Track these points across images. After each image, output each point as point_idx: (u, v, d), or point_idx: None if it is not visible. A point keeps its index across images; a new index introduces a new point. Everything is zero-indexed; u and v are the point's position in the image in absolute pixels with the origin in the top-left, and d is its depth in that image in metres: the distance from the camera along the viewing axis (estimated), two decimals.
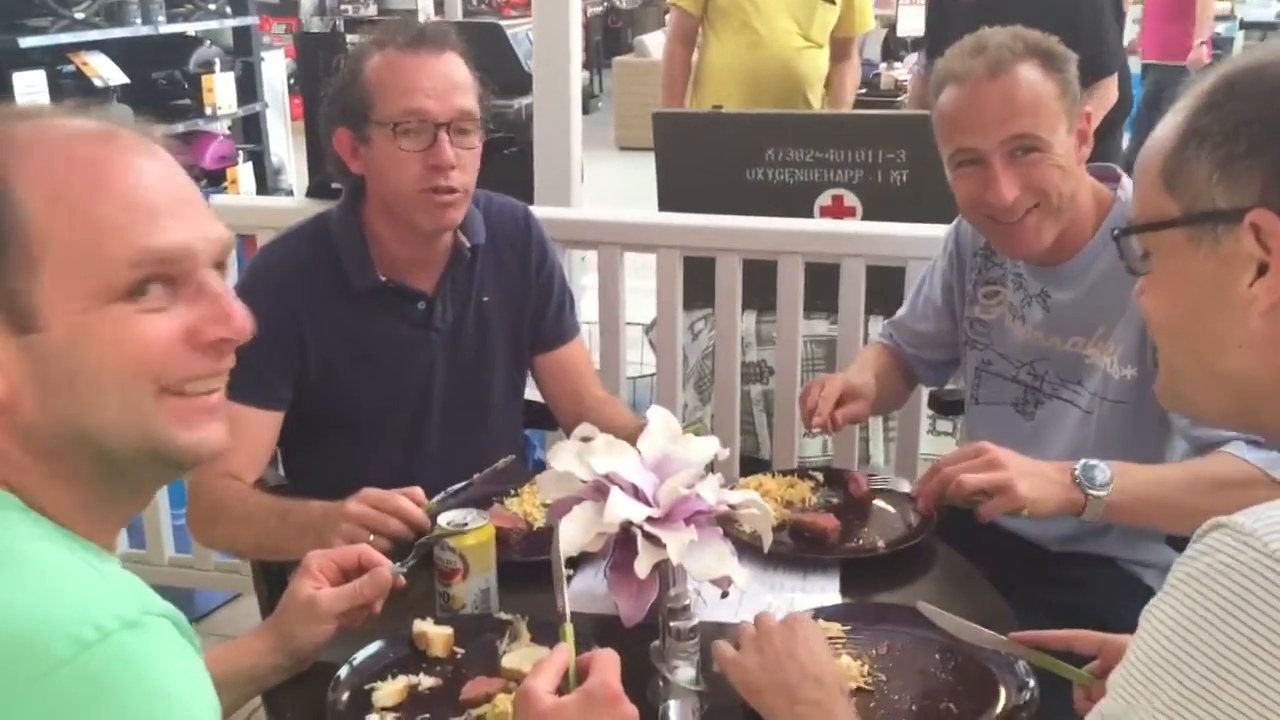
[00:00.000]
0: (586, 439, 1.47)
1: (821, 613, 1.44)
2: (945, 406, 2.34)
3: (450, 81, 1.78)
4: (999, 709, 1.27)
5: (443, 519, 1.50)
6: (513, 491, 1.81)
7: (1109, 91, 3.64)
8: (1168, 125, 0.96)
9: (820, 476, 1.87)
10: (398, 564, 1.43)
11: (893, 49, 8.15)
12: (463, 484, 1.69)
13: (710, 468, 1.49)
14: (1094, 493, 1.49)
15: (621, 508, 1.35)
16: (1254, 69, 0.93)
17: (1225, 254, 0.91)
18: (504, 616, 1.44)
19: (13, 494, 0.87)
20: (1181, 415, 1.04)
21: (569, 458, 1.44)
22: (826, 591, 1.57)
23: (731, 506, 1.46)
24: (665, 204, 3.05)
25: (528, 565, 1.55)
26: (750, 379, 2.98)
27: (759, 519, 1.49)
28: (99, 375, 0.87)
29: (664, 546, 1.34)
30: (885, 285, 2.57)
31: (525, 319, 2.00)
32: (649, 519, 1.37)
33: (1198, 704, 0.75)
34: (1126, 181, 1.78)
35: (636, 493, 1.40)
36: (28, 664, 0.74)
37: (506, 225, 1.97)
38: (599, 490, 1.41)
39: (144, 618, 0.79)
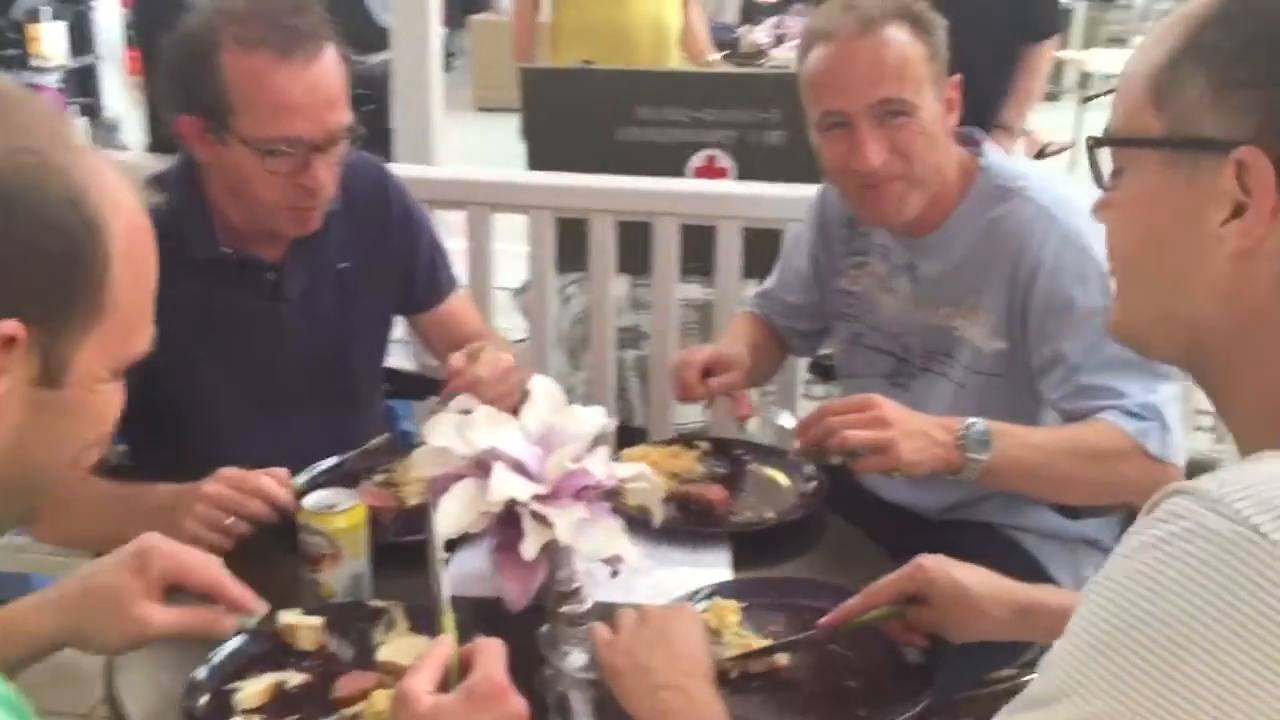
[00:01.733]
0: (466, 411, 1.37)
1: (720, 590, 1.39)
2: (826, 371, 2.31)
3: (326, 97, 1.57)
4: (902, 680, 1.24)
5: (308, 501, 1.39)
6: (384, 467, 1.69)
7: (1049, 55, 3.58)
8: (1165, 32, 0.87)
9: (706, 445, 1.81)
10: (251, 619, 1.23)
11: (750, 12, 8.14)
12: (333, 462, 1.57)
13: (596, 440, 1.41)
14: (973, 456, 1.47)
15: (507, 485, 1.26)
16: None
17: (1202, 186, 0.83)
18: (378, 604, 1.34)
19: None
20: (1137, 351, 0.97)
21: (447, 431, 1.34)
22: (718, 565, 1.52)
23: (621, 480, 1.38)
24: (535, 165, 2.94)
25: (403, 547, 1.44)
26: (624, 345, 2.91)
27: (648, 493, 1.42)
28: (79, 438, 0.86)
29: (552, 526, 1.26)
30: (762, 248, 2.52)
31: (393, 283, 1.88)
32: (536, 496, 1.28)
33: (1157, 676, 0.68)
34: (988, 147, 1.75)
35: (520, 468, 1.31)
36: None
37: (363, 188, 1.82)
38: (480, 466, 1.31)
39: None
